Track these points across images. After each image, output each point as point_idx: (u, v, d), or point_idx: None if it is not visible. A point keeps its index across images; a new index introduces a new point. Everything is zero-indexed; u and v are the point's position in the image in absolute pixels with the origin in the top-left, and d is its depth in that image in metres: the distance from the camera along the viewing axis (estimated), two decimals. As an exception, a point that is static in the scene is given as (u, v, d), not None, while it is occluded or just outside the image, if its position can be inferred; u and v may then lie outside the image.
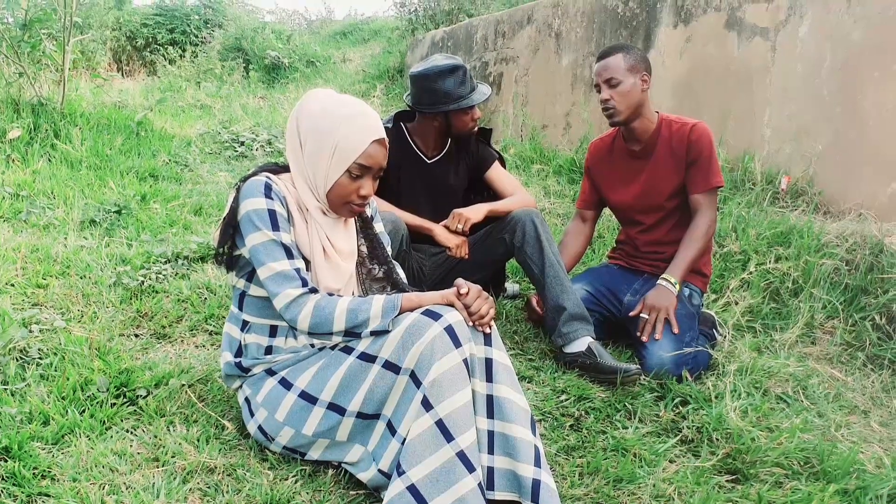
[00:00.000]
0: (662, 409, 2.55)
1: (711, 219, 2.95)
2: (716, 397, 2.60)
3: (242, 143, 6.62)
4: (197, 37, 13.29)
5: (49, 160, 5.02)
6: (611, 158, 3.20)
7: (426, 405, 1.73)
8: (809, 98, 4.26)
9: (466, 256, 3.04)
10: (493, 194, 3.28)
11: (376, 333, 1.85)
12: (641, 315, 2.85)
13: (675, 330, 2.78)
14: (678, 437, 2.39)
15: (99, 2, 11.85)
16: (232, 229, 1.98)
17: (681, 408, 2.57)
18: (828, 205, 4.13)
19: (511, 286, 3.54)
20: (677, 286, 2.84)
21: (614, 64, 2.93)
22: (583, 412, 2.50)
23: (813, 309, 3.32)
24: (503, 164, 3.35)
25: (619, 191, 3.18)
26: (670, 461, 2.27)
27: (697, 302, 3.05)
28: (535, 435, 1.85)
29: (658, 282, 2.89)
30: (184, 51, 12.21)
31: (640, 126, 3.02)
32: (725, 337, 3.14)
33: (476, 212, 3.03)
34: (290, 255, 1.93)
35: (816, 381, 2.86)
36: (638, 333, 2.83)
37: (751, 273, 3.48)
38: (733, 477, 2.21)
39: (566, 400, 2.56)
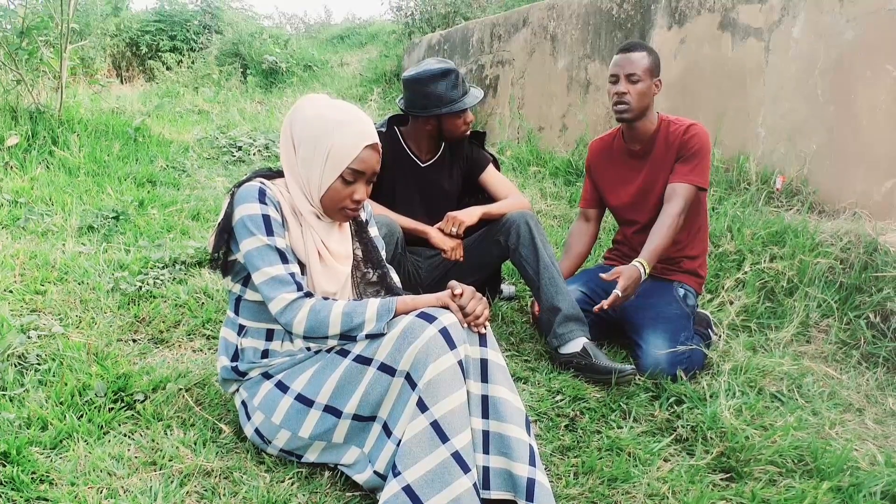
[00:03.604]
0: (657, 409, 2.56)
1: (680, 211, 2.86)
2: (710, 396, 2.61)
3: (240, 148, 6.64)
4: (196, 42, 13.32)
5: (47, 167, 5.04)
6: (610, 157, 3.22)
7: (421, 406, 1.75)
8: (803, 98, 4.28)
9: (461, 259, 3.06)
10: (487, 197, 3.29)
11: (371, 336, 1.87)
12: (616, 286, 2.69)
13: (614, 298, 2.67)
14: (673, 436, 2.40)
15: (97, 8, 11.88)
16: (227, 234, 2.00)
17: (675, 407, 2.59)
18: (822, 204, 4.15)
19: (507, 288, 3.55)
20: (646, 270, 2.75)
21: (638, 60, 2.93)
22: (578, 412, 2.52)
23: (808, 308, 3.33)
24: (497, 166, 3.37)
25: (617, 189, 3.20)
26: (665, 460, 2.28)
27: (692, 302, 3.06)
28: (529, 434, 1.87)
29: (633, 262, 2.77)
30: (182, 56, 12.24)
31: (642, 126, 3.04)
32: (720, 337, 3.15)
33: (470, 215, 3.04)
34: (284, 259, 1.94)
35: (811, 380, 2.87)
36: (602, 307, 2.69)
37: (746, 273, 3.50)
38: (727, 475, 2.23)
39: (561, 400, 2.58)
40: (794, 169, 4.30)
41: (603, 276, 2.75)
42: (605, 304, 2.67)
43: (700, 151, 2.95)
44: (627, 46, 3.00)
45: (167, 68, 11.88)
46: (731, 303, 3.36)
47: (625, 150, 3.16)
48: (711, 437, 2.37)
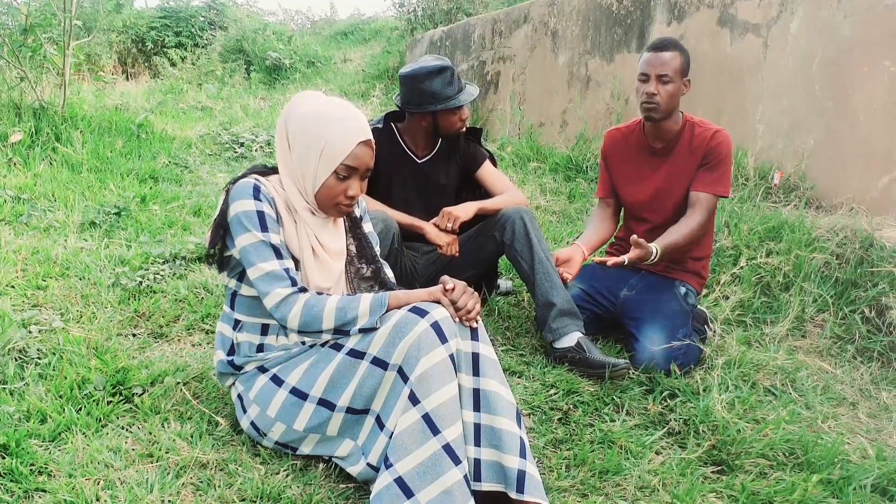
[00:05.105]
0: (650, 403, 2.59)
1: (703, 221, 2.91)
2: (704, 390, 2.64)
3: (242, 145, 6.67)
4: (201, 38, 13.35)
5: (50, 163, 5.07)
6: (627, 151, 3.18)
7: (413, 399, 1.77)
8: (801, 93, 4.29)
9: (457, 254, 3.07)
10: (485, 193, 3.31)
11: (365, 331, 1.90)
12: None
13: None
14: (665, 430, 2.43)
15: (102, 5, 11.91)
16: (222, 230, 2.02)
17: (669, 401, 2.61)
18: (820, 199, 4.16)
19: (504, 283, 3.57)
20: (657, 256, 2.75)
21: (670, 61, 2.89)
22: (571, 406, 2.54)
23: (803, 303, 3.35)
24: (494, 162, 3.38)
25: (633, 185, 3.17)
26: (656, 453, 2.31)
27: (693, 301, 3.06)
28: (520, 427, 1.90)
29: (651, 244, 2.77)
30: (186, 52, 12.27)
31: (666, 126, 3.02)
32: (715, 332, 3.17)
33: (465, 210, 3.06)
34: (279, 255, 1.97)
35: (805, 374, 2.89)
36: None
37: (742, 267, 3.51)
38: (718, 468, 2.26)
39: (555, 394, 2.60)
40: (792, 164, 4.32)
41: (634, 237, 2.70)
42: (608, 261, 2.70)
43: (726, 160, 2.96)
44: (659, 45, 2.95)
45: (171, 64, 11.91)
46: (727, 298, 3.38)
47: (644, 145, 3.13)
48: (703, 431, 2.39)
